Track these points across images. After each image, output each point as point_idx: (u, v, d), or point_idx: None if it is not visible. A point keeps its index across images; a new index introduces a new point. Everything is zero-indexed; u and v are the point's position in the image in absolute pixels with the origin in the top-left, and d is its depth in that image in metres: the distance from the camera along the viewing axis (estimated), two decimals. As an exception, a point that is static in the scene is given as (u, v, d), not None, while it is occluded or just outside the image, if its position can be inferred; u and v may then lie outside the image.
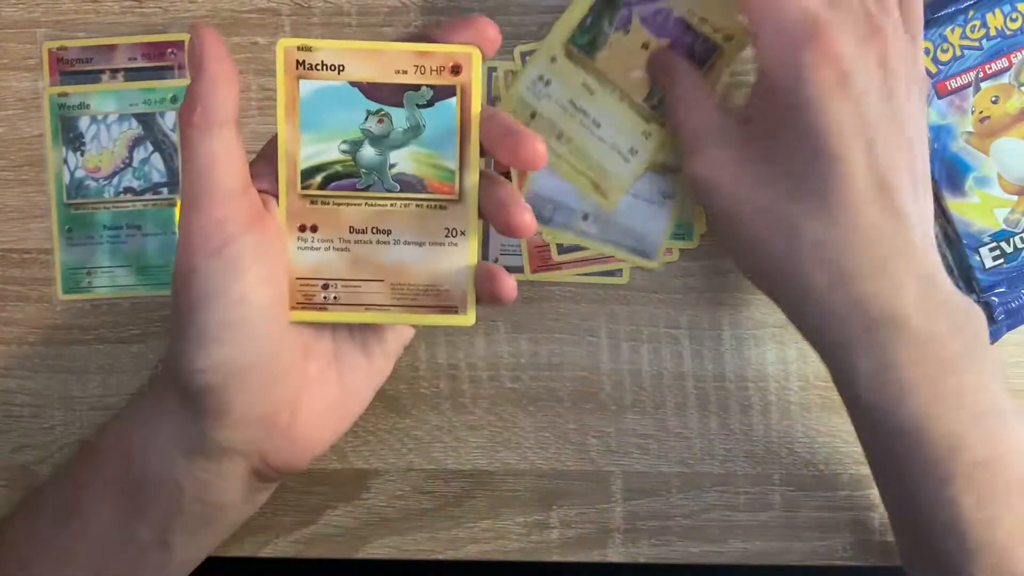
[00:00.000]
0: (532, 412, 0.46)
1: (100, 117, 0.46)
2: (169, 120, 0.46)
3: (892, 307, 0.32)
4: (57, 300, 0.46)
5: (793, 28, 0.32)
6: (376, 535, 0.46)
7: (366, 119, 0.32)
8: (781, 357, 0.45)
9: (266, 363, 0.32)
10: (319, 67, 0.31)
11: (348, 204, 0.32)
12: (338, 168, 0.32)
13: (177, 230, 0.31)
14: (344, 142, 0.32)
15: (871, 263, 0.32)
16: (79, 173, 0.46)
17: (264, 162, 0.33)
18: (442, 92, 0.32)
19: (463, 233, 0.33)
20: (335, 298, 0.33)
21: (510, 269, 0.38)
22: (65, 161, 0.46)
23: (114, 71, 0.46)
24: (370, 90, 0.32)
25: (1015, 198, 0.44)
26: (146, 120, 0.46)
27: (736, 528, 0.45)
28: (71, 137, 0.46)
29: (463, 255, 0.33)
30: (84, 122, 0.46)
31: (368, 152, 0.32)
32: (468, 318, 0.33)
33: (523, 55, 0.45)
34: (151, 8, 0.46)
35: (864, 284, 0.32)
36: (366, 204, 0.32)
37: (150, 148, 0.46)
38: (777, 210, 0.33)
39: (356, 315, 0.33)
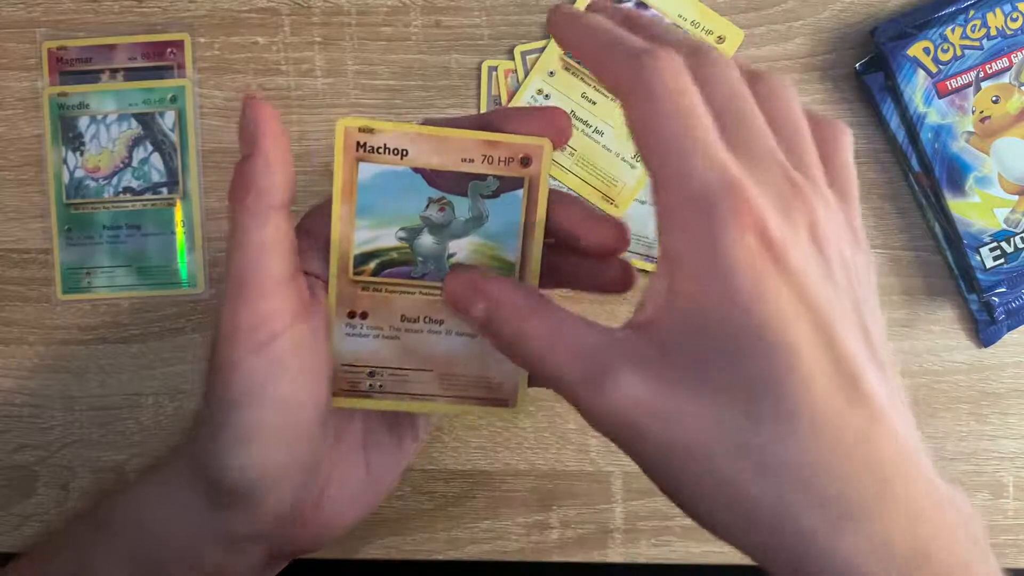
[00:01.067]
0: (532, 412, 0.46)
1: (100, 117, 0.46)
2: (168, 120, 0.45)
3: (913, 540, 0.25)
4: (57, 300, 0.46)
5: (705, 192, 0.25)
6: (376, 535, 0.46)
7: (427, 206, 0.31)
8: (781, 357, 0.45)
9: (300, 459, 0.31)
10: (381, 150, 0.30)
11: (401, 292, 0.31)
12: (394, 255, 0.31)
13: (220, 316, 0.29)
14: (402, 229, 0.31)
15: (872, 486, 0.25)
16: (79, 173, 0.46)
17: (305, 239, 0.31)
18: (509, 184, 0.30)
19: None
20: (380, 386, 0.32)
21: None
22: (65, 161, 0.46)
23: (114, 71, 0.46)
24: (433, 177, 0.30)
25: (1016, 198, 0.44)
26: (146, 120, 0.46)
27: (736, 528, 0.45)
28: (71, 137, 0.45)
29: None
30: (84, 122, 0.45)
31: (426, 240, 0.31)
32: (516, 411, 0.32)
33: (523, 55, 0.45)
34: (151, 8, 0.46)
35: (873, 517, 0.25)
36: (420, 293, 0.31)
37: (150, 148, 0.46)
38: (734, 440, 0.25)
39: (401, 404, 0.32)
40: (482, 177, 0.31)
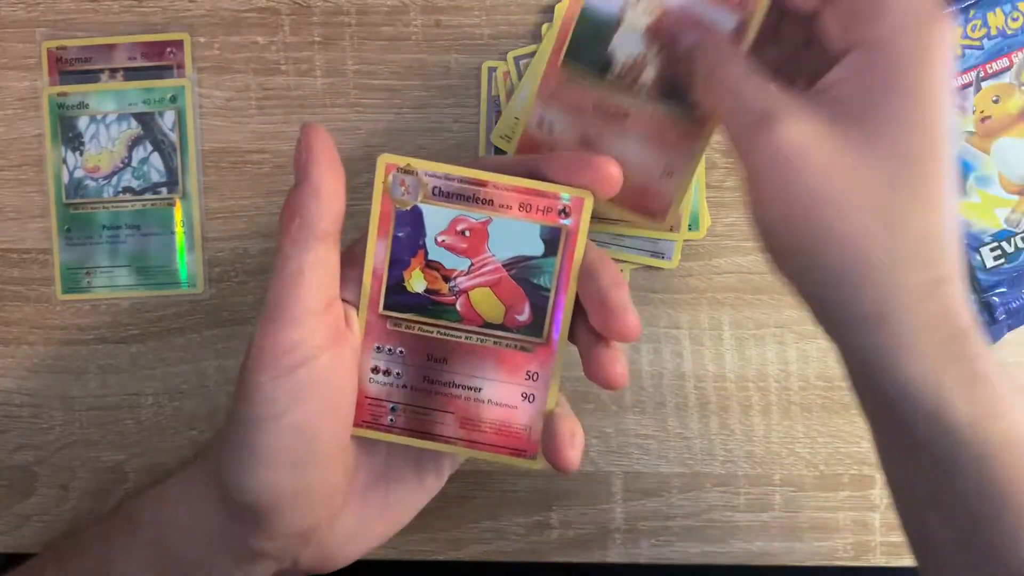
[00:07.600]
0: (532, 412, 0.46)
1: (99, 117, 0.46)
2: (168, 120, 0.45)
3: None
4: (56, 300, 0.46)
5: (925, 5, 0.29)
6: (376, 535, 0.46)
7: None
8: (781, 357, 0.45)
9: (315, 487, 0.31)
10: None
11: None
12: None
13: (252, 339, 0.30)
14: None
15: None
16: (78, 173, 0.46)
17: (351, 267, 0.32)
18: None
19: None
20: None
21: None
22: (64, 161, 0.46)
23: (113, 71, 0.46)
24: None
25: (1016, 198, 0.44)
26: (145, 120, 0.46)
27: (737, 528, 0.45)
28: (70, 137, 0.45)
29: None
30: (83, 122, 0.45)
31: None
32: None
33: (516, 60, 0.45)
34: (150, 8, 0.46)
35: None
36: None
37: (149, 148, 0.46)
38: (882, 198, 0.28)
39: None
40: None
